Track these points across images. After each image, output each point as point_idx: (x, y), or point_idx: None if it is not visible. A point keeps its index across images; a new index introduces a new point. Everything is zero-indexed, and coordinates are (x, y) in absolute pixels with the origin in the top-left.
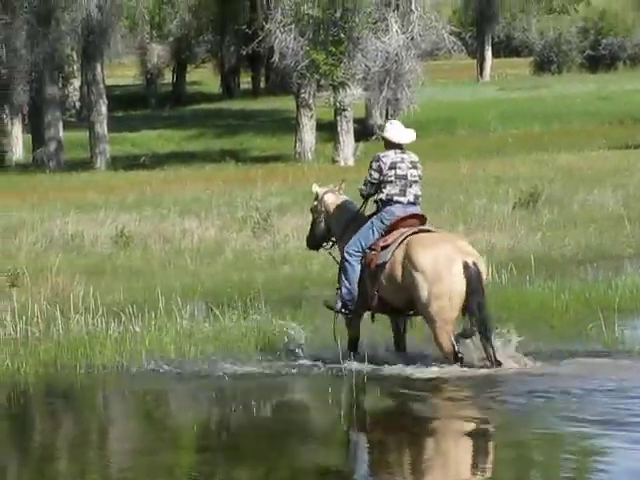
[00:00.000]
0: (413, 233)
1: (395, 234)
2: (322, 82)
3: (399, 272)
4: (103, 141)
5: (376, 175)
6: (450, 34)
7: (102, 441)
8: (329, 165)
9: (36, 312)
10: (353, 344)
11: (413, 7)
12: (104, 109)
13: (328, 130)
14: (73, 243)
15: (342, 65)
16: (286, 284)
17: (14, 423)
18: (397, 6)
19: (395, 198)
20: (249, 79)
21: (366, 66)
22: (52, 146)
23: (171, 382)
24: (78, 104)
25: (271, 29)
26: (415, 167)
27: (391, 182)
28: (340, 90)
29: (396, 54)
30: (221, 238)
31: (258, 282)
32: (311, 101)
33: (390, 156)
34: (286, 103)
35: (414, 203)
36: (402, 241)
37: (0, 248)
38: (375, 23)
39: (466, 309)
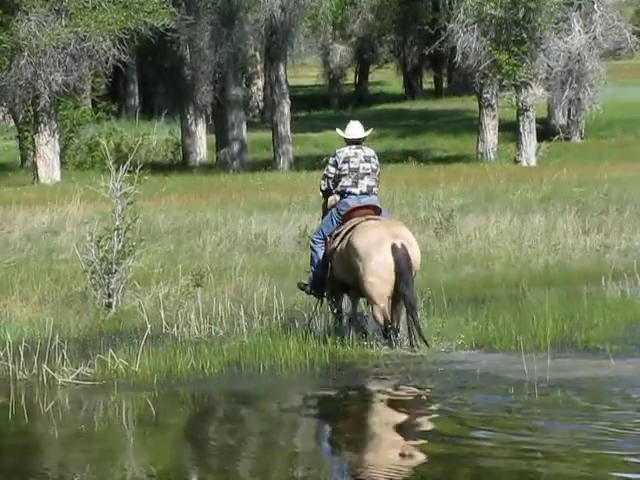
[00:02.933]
0: (360, 222)
1: (347, 224)
2: (504, 82)
3: (345, 255)
4: (286, 141)
5: (332, 169)
6: (632, 34)
7: (284, 442)
8: (511, 165)
9: (220, 312)
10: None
11: (595, 7)
12: (287, 109)
13: (510, 130)
14: (256, 243)
15: (524, 65)
16: (468, 284)
17: (198, 422)
18: (579, 6)
19: (348, 190)
20: (431, 79)
21: (548, 66)
22: (235, 146)
23: (356, 381)
24: (261, 105)
25: (453, 29)
26: (368, 161)
27: (345, 175)
28: (522, 90)
29: (578, 54)
30: None
31: (440, 282)
32: (493, 101)
33: (345, 151)
34: (468, 103)
35: (367, 193)
36: (350, 229)
37: (185, 248)
38: (557, 23)
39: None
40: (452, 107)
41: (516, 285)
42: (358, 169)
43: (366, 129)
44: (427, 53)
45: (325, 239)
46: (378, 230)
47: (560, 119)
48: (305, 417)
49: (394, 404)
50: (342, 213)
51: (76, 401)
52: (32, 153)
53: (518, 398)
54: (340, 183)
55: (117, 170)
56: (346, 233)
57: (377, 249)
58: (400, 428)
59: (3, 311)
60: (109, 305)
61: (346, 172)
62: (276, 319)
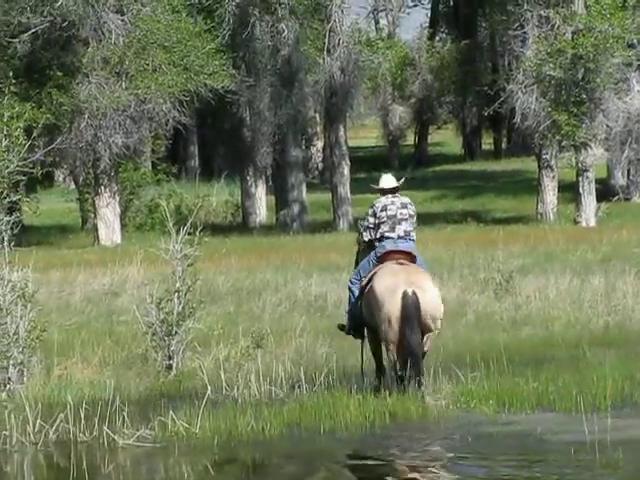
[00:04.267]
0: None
1: (380, 266)
2: (564, 143)
3: (366, 297)
4: (346, 203)
5: (372, 219)
6: None
7: None
8: (571, 226)
9: (280, 373)
10: (378, 369)
11: None
12: (346, 171)
13: (570, 191)
14: (316, 304)
15: (584, 125)
16: (528, 345)
17: None
18: (639, 66)
19: (386, 234)
20: (491, 140)
21: (608, 126)
22: (295, 208)
23: (414, 442)
24: (321, 166)
25: (513, 90)
26: (405, 207)
27: (384, 222)
28: (582, 151)
29: (638, 114)
30: (463, 299)
31: (500, 343)
32: (553, 162)
33: (382, 201)
34: (528, 164)
35: (404, 238)
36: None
37: (245, 309)
38: (617, 83)
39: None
40: (511, 168)
41: (576, 346)
42: (395, 215)
43: (398, 180)
44: (486, 114)
45: (361, 280)
46: (396, 277)
47: (620, 179)
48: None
49: (454, 467)
50: (378, 255)
51: (137, 463)
52: (93, 215)
53: (579, 459)
54: (380, 230)
55: (177, 232)
56: (374, 274)
57: (391, 296)
58: None
59: (64, 373)
60: (169, 367)
61: (384, 219)
62: (336, 380)
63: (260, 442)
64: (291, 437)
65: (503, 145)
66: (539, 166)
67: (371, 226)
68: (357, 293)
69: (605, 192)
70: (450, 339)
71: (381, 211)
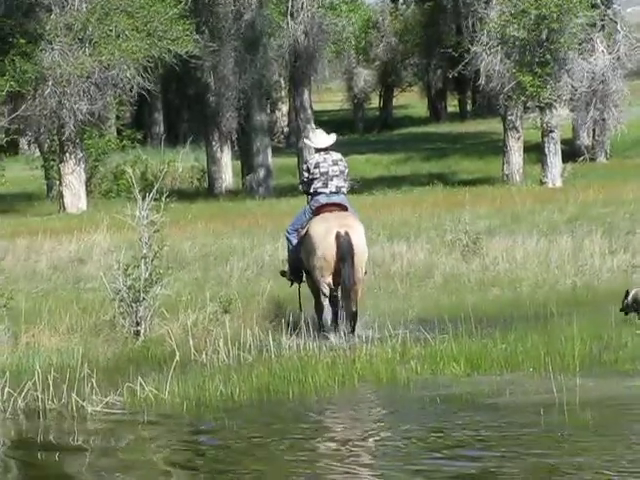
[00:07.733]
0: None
1: (315, 216)
2: (529, 104)
3: (303, 242)
4: None
5: (306, 174)
6: None
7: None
8: (537, 186)
9: (248, 338)
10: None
11: (618, 27)
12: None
13: (535, 152)
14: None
15: (548, 86)
16: (496, 307)
17: (228, 450)
18: (602, 27)
19: (319, 190)
20: (456, 102)
21: (572, 87)
22: (261, 172)
23: (383, 405)
24: (286, 130)
25: (477, 51)
26: (336, 164)
27: (317, 178)
28: (547, 111)
29: (602, 74)
30: (430, 261)
31: (468, 305)
32: (518, 123)
33: (315, 157)
34: (493, 125)
35: (336, 192)
36: None
37: (212, 275)
38: (581, 44)
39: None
40: (477, 129)
41: (544, 306)
42: (327, 172)
43: (329, 135)
44: (451, 76)
45: (297, 230)
46: (329, 221)
47: (585, 140)
48: (330, 442)
49: (424, 427)
50: (313, 208)
51: (106, 430)
52: (58, 182)
53: (549, 420)
54: (313, 185)
55: (143, 198)
56: (309, 223)
57: (324, 238)
58: (429, 450)
59: (32, 341)
60: (137, 333)
61: (317, 175)
62: (305, 344)
63: (229, 407)
64: (260, 402)
65: (468, 107)
66: (504, 127)
67: (305, 180)
68: (295, 242)
69: (571, 152)
70: (418, 301)
71: (314, 168)
